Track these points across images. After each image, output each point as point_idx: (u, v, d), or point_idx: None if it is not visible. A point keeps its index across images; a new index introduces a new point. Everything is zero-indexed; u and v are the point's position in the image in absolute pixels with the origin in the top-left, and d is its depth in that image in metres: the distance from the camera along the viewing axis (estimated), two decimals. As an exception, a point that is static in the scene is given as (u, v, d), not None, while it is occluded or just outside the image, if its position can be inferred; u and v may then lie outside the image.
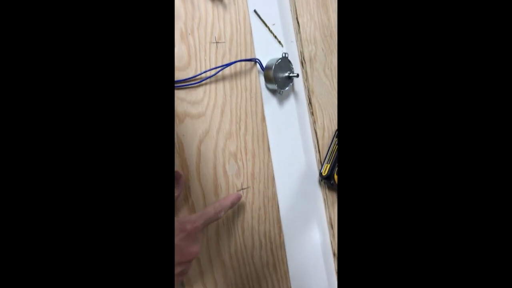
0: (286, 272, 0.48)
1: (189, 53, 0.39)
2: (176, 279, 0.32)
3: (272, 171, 0.46)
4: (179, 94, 0.38)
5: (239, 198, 0.39)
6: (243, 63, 0.43)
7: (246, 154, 0.43)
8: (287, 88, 0.47)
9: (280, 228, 0.47)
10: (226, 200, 0.37)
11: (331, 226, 0.53)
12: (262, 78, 0.46)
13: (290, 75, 0.46)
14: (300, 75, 0.50)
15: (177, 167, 0.38)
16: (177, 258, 0.31)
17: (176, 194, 0.36)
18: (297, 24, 0.50)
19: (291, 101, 0.50)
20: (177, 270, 0.31)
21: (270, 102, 0.47)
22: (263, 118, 0.45)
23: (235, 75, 0.43)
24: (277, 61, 0.45)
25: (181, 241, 0.31)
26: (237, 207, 0.43)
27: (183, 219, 0.32)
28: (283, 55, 0.45)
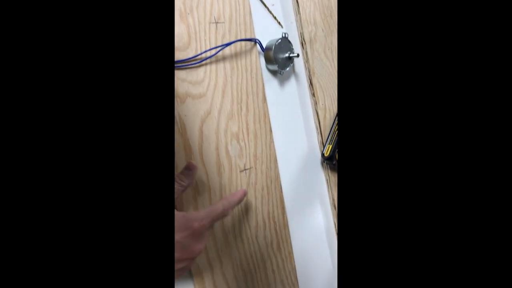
0: (291, 252, 0.49)
1: (189, 33, 0.39)
2: (176, 274, 0.32)
3: (275, 152, 0.47)
4: (179, 75, 0.38)
5: (245, 193, 0.39)
6: (243, 44, 0.43)
7: (248, 134, 0.43)
8: (287, 69, 0.47)
9: (283, 208, 0.47)
10: (234, 197, 0.37)
11: (334, 207, 0.54)
12: (262, 59, 0.46)
13: (291, 55, 0.46)
14: (301, 56, 0.50)
15: (180, 147, 0.38)
16: (179, 254, 0.30)
17: (185, 183, 0.35)
18: (296, 4, 0.49)
19: (292, 83, 0.50)
20: (179, 266, 0.31)
21: (271, 83, 0.47)
22: (264, 99, 0.45)
23: (235, 56, 0.42)
24: (277, 41, 0.44)
25: (185, 239, 0.31)
26: (240, 187, 0.43)
27: (190, 216, 0.32)
28: (283, 35, 0.45)
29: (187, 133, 0.39)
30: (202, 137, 0.40)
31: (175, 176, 0.35)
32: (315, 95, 0.51)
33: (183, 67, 0.38)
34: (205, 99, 0.40)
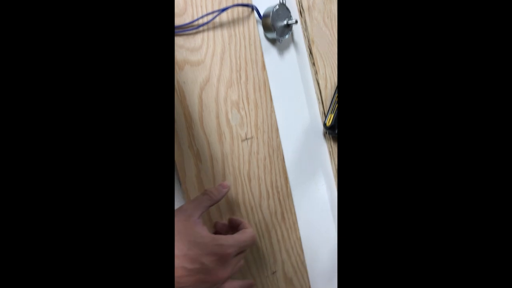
0: (295, 222, 0.49)
1: (185, -2, 0.38)
2: None
3: (276, 122, 0.46)
4: (177, 41, 0.37)
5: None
6: (240, 11, 0.43)
7: (248, 103, 0.43)
8: (286, 37, 0.46)
9: (286, 178, 0.47)
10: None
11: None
12: (260, 28, 0.45)
13: (289, 22, 0.45)
14: (299, 25, 0.49)
15: (180, 115, 0.38)
16: (203, 276, 0.31)
17: (216, 199, 0.36)
18: (293, -28, 0.48)
19: (291, 52, 0.49)
20: (201, 286, 0.31)
21: (269, 52, 0.47)
22: (264, 67, 0.44)
23: (233, 23, 0.42)
24: (274, 7, 0.44)
25: (212, 263, 0.31)
26: (242, 157, 0.43)
27: (220, 240, 0.32)
28: (281, 1, 0.44)
29: (187, 100, 0.38)
30: (202, 105, 0.39)
31: (207, 189, 0.36)
32: (315, 64, 0.50)
33: (180, 33, 0.37)
34: (203, 66, 0.39)
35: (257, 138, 0.44)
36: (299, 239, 0.49)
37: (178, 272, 0.30)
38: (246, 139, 0.43)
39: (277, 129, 0.46)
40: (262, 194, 0.45)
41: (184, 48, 0.38)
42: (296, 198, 0.49)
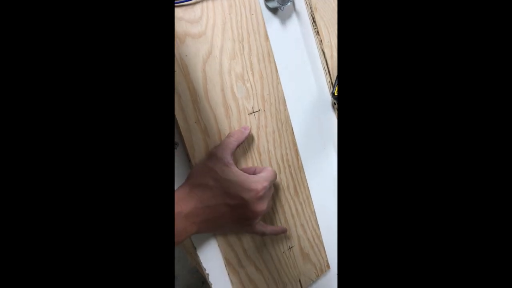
0: (308, 196, 0.48)
1: (180, -33, 0.37)
2: (243, 229, 0.38)
3: (283, 94, 0.45)
4: (176, 13, 0.36)
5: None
6: (239, -20, 0.41)
7: (253, 75, 0.42)
8: (288, 4, 0.44)
9: (296, 151, 0.46)
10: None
11: (349, 150, 0.52)
12: (260, -3, 0.44)
13: (290, -12, 0.43)
14: (301, -8, 0.48)
15: (185, 90, 0.37)
16: (244, 211, 0.34)
17: (240, 141, 0.38)
18: None
19: (294, 21, 0.48)
20: (244, 223, 0.35)
21: (272, 22, 0.45)
22: (266, 37, 0.43)
23: (232, -8, 0.40)
24: (274, -27, 0.42)
25: (251, 198, 0.34)
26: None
27: (253, 178, 0.35)
28: (280, -34, 0.43)
29: (190, 75, 0.37)
30: (206, 79, 0.38)
31: (231, 132, 0.38)
32: (319, 33, 0.48)
33: (179, 3, 0.36)
34: (205, 38, 0.38)
35: (264, 111, 0.43)
36: (313, 213, 0.48)
37: (221, 208, 0.34)
38: (253, 112, 0.42)
39: (284, 101, 0.45)
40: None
41: (184, 20, 0.37)
42: (308, 171, 0.48)
